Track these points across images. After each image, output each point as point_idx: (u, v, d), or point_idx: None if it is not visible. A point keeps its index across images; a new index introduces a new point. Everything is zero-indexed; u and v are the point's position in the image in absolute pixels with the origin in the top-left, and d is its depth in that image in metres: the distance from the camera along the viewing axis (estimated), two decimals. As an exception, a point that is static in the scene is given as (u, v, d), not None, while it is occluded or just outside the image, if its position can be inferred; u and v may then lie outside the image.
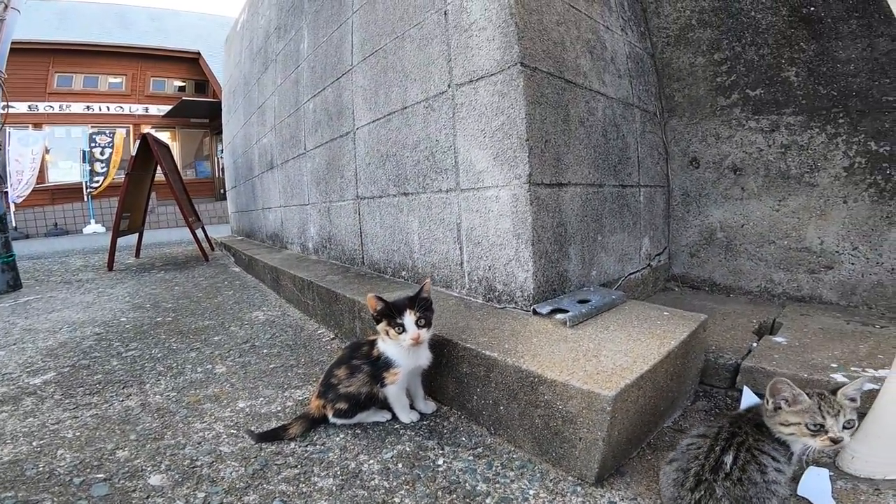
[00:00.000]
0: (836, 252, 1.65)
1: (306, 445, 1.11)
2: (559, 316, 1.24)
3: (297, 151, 3.04)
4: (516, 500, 0.89)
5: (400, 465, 1.01)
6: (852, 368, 1.13)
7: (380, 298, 1.13)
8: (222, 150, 13.70)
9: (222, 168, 14.33)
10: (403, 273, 1.90)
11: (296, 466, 1.02)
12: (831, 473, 0.90)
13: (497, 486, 0.93)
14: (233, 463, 1.04)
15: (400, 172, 1.86)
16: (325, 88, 2.52)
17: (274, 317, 2.37)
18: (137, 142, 4.57)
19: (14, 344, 2.04)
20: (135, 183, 4.58)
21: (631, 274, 1.76)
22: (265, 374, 1.59)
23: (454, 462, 1.02)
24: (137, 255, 5.20)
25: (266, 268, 2.98)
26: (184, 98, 13.55)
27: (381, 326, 1.14)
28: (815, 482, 0.87)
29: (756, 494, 0.75)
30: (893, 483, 0.87)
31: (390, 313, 1.12)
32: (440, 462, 1.02)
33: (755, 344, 1.33)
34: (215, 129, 14.70)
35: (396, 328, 1.11)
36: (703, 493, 0.76)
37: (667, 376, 1.04)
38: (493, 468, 0.99)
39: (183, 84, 15.11)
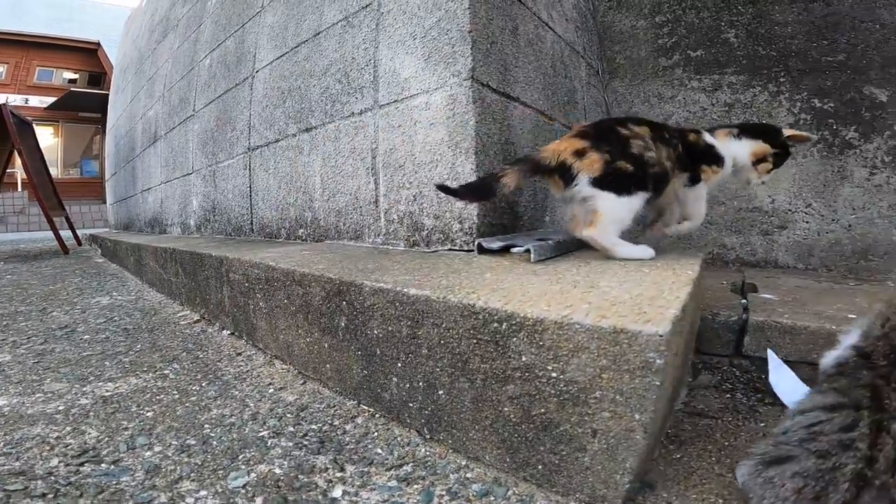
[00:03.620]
0: (789, 210, 1.44)
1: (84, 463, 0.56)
2: (516, 250, 0.80)
3: (184, 115, 2.36)
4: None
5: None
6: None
7: None
8: (116, 148, 11.66)
9: (115, 168, 12.24)
10: (301, 231, 1.36)
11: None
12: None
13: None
14: None
15: (303, 106, 1.36)
16: (226, 39, 1.99)
17: (124, 301, 1.66)
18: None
19: None
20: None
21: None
22: (67, 364, 1.01)
23: (363, 493, 0.53)
24: (-26, 250, 3.93)
25: (128, 248, 2.22)
26: (72, 90, 11.35)
27: None
28: None
29: None
30: None
31: None
32: (337, 493, 0.53)
33: (744, 301, 1.02)
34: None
35: None
36: None
37: (689, 326, 0.65)
38: (435, 500, 0.52)
39: (75, 76, 12.81)
